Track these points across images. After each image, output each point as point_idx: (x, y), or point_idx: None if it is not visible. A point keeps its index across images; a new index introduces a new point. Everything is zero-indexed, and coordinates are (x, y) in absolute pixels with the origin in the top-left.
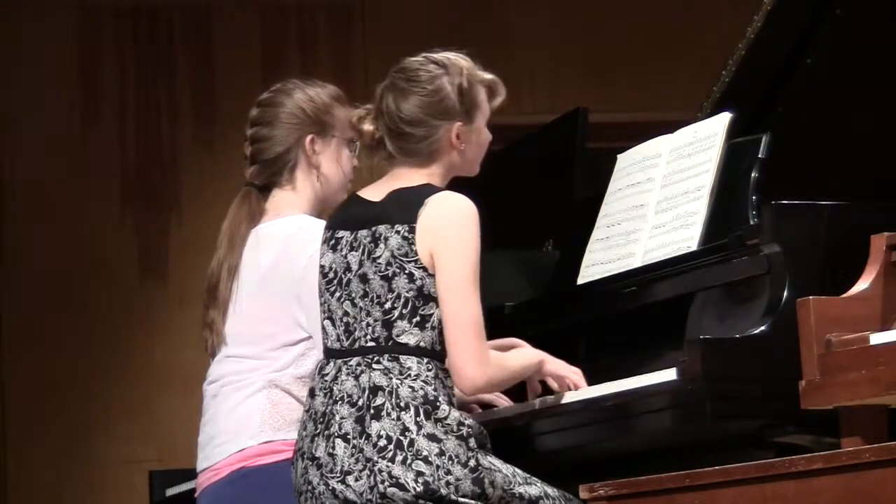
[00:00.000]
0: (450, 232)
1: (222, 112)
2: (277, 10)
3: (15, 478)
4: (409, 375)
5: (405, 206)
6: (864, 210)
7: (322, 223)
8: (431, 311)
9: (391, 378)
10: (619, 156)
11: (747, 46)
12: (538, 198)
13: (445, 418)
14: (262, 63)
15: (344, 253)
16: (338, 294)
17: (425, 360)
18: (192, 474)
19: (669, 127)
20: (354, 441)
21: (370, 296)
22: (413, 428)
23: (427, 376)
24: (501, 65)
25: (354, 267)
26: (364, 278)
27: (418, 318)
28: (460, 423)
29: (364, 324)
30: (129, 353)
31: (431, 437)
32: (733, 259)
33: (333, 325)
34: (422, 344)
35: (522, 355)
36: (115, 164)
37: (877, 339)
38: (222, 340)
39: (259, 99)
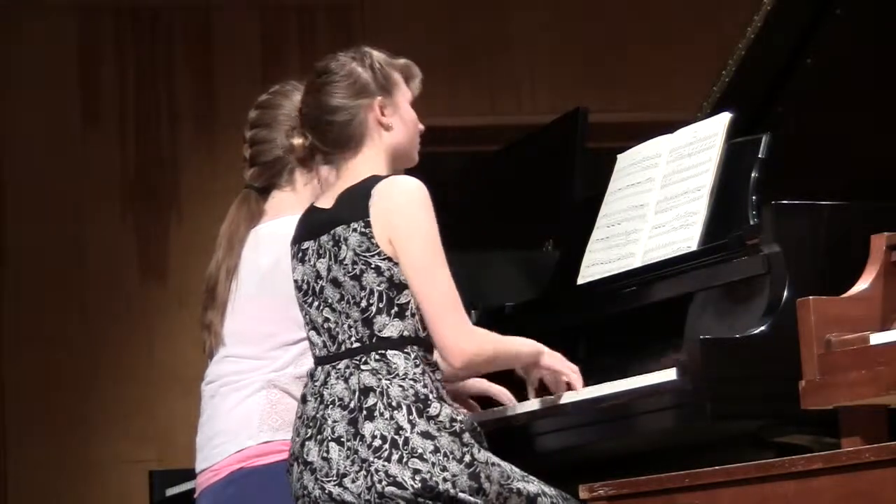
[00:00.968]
0: (402, 215)
1: (222, 112)
2: (277, 10)
3: (15, 478)
4: (398, 375)
5: (354, 202)
6: (864, 210)
7: None
8: (407, 299)
9: (380, 378)
10: (619, 156)
11: (747, 46)
12: (538, 198)
13: (438, 415)
14: (262, 63)
15: (312, 262)
16: (315, 304)
17: (412, 354)
18: (191, 474)
19: (669, 127)
20: (349, 443)
21: (345, 298)
22: (406, 426)
23: (415, 374)
24: (502, 64)
25: (324, 273)
26: (336, 282)
27: (396, 309)
28: (452, 420)
29: (346, 326)
30: (129, 353)
31: (425, 435)
32: (733, 259)
33: (318, 333)
34: (405, 333)
35: (520, 340)
36: (115, 164)
37: (877, 339)
38: (220, 341)
39: (257, 101)
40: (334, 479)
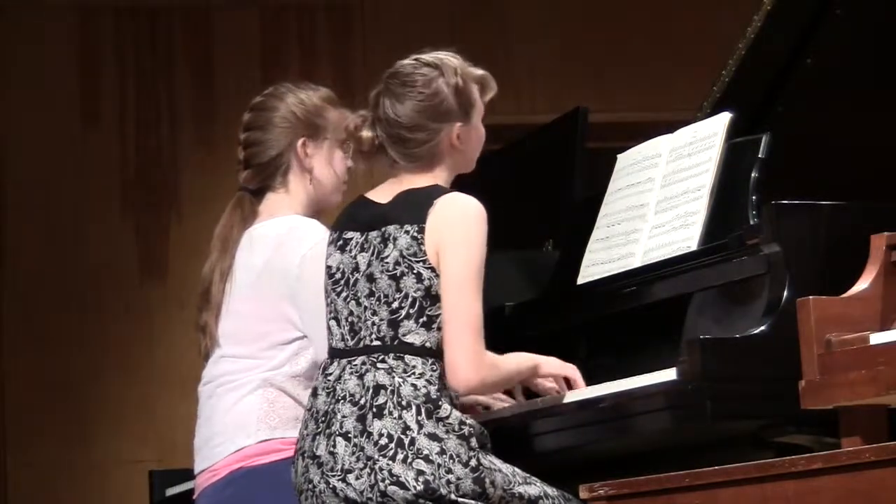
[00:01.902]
0: (455, 231)
1: (222, 112)
2: (277, 10)
3: (15, 478)
4: (414, 374)
5: (414, 206)
6: (864, 210)
7: (314, 223)
8: (438, 312)
9: (394, 376)
10: (619, 156)
11: (747, 46)
12: (538, 198)
13: (447, 417)
14: (262, 63)
15: (353, 254)
16: (344, 294)
17: (430, 360)
18: (191, 474)
19: (669, 127)
20: (356, 439)
21: (376, 295)
22: (414, 427)
23: (432, 376)
24: (501, 64)
25: (363, 267)
26: (371, 278)
27: (425, 319)
28: (462, 423)
29: (370, 323)
30: (129, 353)
31: (432, 437)
32: (733, 259)
33: (338, 324)
34: (427, 344)
35: (517, 358)
36: (115, 164)
37: (877, 339)
38: (215, 342)
39: (252, 103)
40: (339, 473)
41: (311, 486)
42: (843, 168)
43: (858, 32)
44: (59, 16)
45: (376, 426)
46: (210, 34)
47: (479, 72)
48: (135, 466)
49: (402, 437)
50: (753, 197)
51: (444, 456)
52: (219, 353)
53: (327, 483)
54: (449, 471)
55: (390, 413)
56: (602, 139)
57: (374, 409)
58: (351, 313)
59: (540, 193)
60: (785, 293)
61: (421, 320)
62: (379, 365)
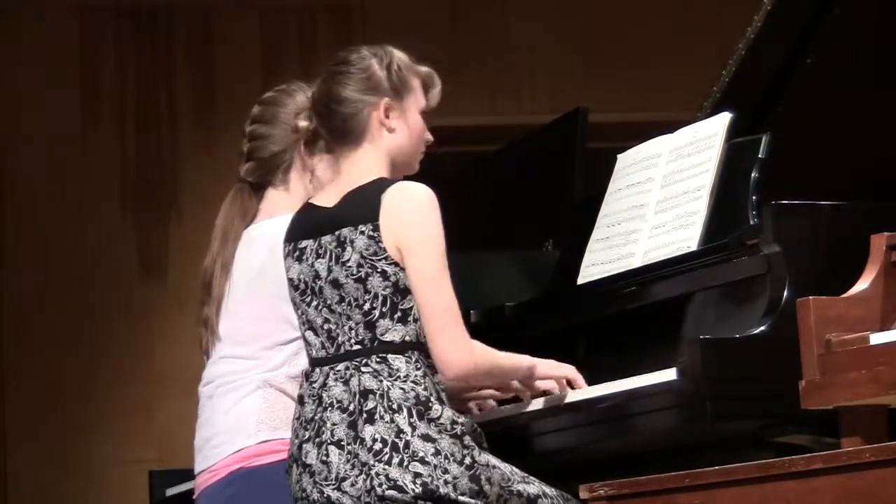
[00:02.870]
0: (412, 223)
1: (222, 112)
2: (277, 11)
3: (15, 478)
4: (399, 377)
5: (363, 204)
6: (864, 210)
7: None
8: (410, 304)
9: (381, 380)
10: (619, 156)
11: (747, 46)
12: (538, 198)
13: (438, 418)
14: (262, 63)
15: (311, 262)
16: (315, 303)
17: (413, 357)
18: (191, 474)
19: (669, 127)
20: (349, 447)
21: (346, 300)
22: (407, 429)
23: (416, 376)
24: (501, 65)
25: (324, 274)
26: (336, 283)
27: (399, 314)
28: (454, 422)
29: (346, 328)
30: (128, 353)
31: (426, 438)
32: (733, 259)
33: (315, 333)
34: (407, 338)
35: (514, 356)
36: (115, 164)
37: (877, 339)
38: (217, 338)
39: (261, 97)
40: (333, 482)
41: (304, 494)
42: (843, 168)
43: (858, 32)
44: (59, 16)
45: (368, 431)
46: (210, 34)
47: (424, 68)
48: (135, 466)
49: (397, 440)
50: (753, 197)
51: (440, 456)
52: (218, 353)
53: (321, 492)
54: (445, 471)
55: (381, 417)
56: (602, 139)
57: (365, 415)
58: (326, 321)
59: (540, 193)
60: (785, 293)
61: (396, 316)
62: (363, 369)
